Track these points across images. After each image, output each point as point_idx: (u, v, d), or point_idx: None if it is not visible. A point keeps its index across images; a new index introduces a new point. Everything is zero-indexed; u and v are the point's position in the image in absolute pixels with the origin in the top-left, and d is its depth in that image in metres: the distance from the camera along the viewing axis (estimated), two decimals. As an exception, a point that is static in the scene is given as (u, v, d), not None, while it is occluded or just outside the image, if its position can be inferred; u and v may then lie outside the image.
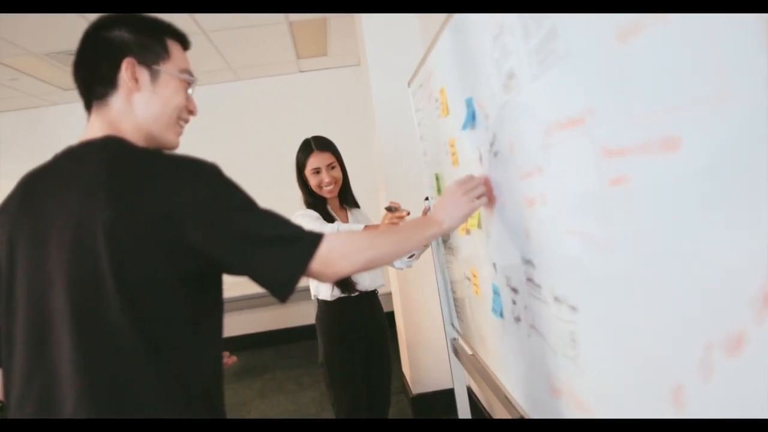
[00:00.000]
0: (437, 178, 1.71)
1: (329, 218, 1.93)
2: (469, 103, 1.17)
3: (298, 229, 0.87)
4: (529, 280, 0.97)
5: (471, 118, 1.17)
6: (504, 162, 1.01)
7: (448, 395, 2.11)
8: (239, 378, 3.91)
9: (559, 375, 0.92)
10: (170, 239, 0.80)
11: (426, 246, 1.70)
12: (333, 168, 1.93)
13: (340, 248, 0.88)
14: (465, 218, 1.06)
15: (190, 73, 0.97)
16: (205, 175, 0.84)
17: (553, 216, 0.82)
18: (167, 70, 0.93)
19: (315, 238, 0.87)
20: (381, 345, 2.02)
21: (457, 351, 1.93)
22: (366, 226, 1.81)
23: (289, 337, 4.46)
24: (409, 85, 1.99)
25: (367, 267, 0.93)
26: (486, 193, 1.11)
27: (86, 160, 0.86)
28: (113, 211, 0.79)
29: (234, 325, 4.40)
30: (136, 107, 0.90)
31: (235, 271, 0.85)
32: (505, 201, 1.05)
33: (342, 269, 0.88)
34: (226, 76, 4.49)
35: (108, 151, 0.86)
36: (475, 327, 1.54)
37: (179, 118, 0.96)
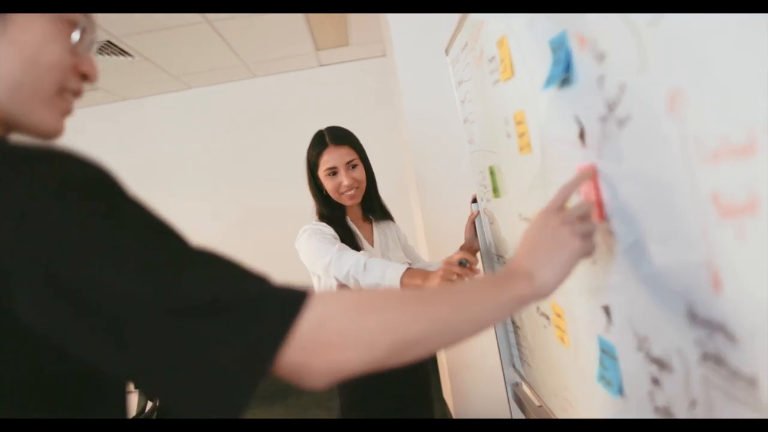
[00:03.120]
0: (492, 173, 1.24)
1: (349, 235, 1.44)
2: (561, 42, 0.70)
3: (254, 282, 0.45)
4: (717, 361, 0.50)
5: (563, 69, 0.70)
6: (644, 135, 0.55)
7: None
8: (259, 402, 3.52)
9: None
10: None
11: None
12: (354, 167, 1.45)
13: (341, 320, 0.46)
14: (573, 263, 0.61)
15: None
16: (63, 183, 0.42)
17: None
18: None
19: (292, 300, 0.45)
20: (423, 396, 1.53)
21: (519, 399, 1.46)
22: (408, 269, 1.28)
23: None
24: (446, 52, 1.53)
25: (392, 360, 0.48)
26: (591, 216, 0.67)
27: None
28: None
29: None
30: None
31: (123, 375, 0.47)
32: (646, 204, 0.58)
33: (343, 361, 0.46)
34: (240, 74, 4.09)
35: None
36: (557, 384, 1.07)
37: (61, 87, 0.53)
